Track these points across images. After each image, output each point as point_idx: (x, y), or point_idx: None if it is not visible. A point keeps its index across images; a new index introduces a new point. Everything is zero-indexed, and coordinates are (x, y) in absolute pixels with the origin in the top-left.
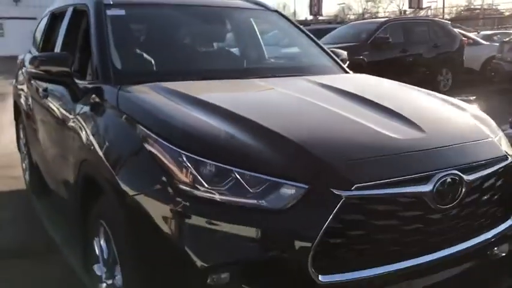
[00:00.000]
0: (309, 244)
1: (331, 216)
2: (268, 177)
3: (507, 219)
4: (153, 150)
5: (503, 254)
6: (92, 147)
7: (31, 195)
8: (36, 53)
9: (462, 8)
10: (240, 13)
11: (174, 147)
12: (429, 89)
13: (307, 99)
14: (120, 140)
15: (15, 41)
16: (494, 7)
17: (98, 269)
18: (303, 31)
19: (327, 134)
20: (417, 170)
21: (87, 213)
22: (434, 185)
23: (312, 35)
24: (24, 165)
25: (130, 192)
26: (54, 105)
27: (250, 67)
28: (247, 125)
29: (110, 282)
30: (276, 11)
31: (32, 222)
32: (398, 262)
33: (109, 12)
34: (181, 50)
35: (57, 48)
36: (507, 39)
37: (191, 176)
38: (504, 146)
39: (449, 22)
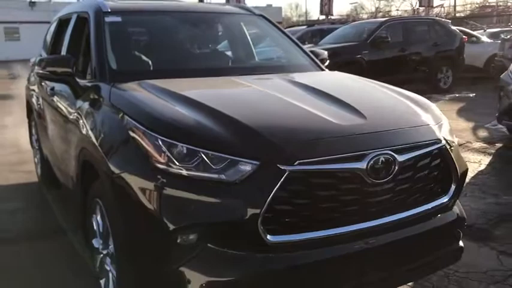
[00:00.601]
0: (258, 209)
1: (276, 187)
2: (228, 156)
3: (443, 195)
4: (136, 136)
5: (438, 226)
6: (89, 137)
7: (42, 186)
8: (45, 56)
9: (477, 5)
10: (228, 17)
11: (152, 133)
12: (429, 87)
13: (270, 92)
14: (111, 129)
15: (31, 44)
16: (510, 4)
17: (96, 242)
18: (285, 33)
19: (278, 120)
20: (353, 149)
21: (86, 195)
22: (368, 163)
23: (292, 37)
24: (36, 159)
25: (118, 172)
26: (59, 102)
27: (233, 66)
28: (213, 113)
29: (105, 252)
30: (262, 15)
31: (42, 210)
32: (339, 227)
33: (107, 19)
34: (169, 52)
35: (63, 51)
36: (508, 36)
37: (166, 156)
38: (443, 132)
39: (450, 21)
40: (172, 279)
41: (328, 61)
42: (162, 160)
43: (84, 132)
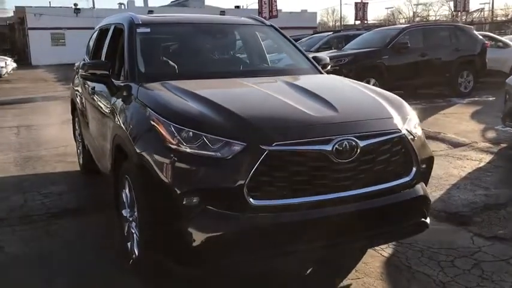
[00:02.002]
0: (243, 179)
1: (258, 162)
2: (223, 138)
3: (406, 176)
4: (155, 124)
5: (400, 201)
6: (121, 125)
7: (83, 173)
8: (87, 60)
9: None
10: (242, 27)
11: (167, 121)
12: (449, 91)
13: (265, 90)
14: (137, 118)
15: (75, 49)
16: None
17: (125, 212)
18: (291, 41)
19: (264, 111)
20: (321, 135)
21: (117, 174)
22: (333, 146)
23: (297, 45)
24: (78, 151)
25: (140, 151)
26: (99, 99)
27: (243, 70)
28: (215, 106)
29: (131, 219)
30: (272, 26)
31: (83, 192)
32: (309, 196)
33: (138, 30)
34: (188, 57)
35: (103, 56)
36: None
37: (176, 139)
38: (407, 125)
39: (472, 27)
40: (181, 234)
41: (330, 65)
42: (173, 142)
43: (117, 122)
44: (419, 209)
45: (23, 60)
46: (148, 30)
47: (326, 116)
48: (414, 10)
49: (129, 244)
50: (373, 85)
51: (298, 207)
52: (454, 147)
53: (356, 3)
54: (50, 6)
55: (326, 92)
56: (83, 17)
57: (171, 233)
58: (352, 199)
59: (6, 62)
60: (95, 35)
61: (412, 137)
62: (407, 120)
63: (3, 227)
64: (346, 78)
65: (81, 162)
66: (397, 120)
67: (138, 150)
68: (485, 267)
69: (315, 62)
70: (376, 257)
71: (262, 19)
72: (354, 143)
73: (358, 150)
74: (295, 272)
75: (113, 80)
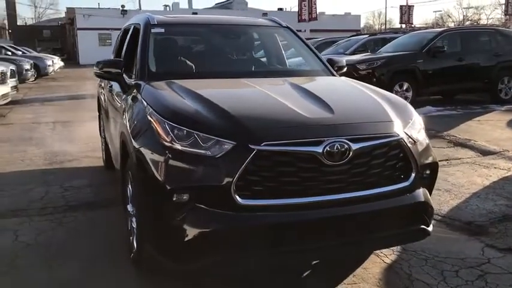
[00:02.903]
0: (231, 178)
1: (246, 161)
2: (214, 137)
3: (404, 181)
4: (152, 120)
5: (397, 206)
6: (125, 122)
7: (107, 169)
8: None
9: None
10: (256, 29)
11: (163, 118)
12: (488, 97)
13: (265, 91)
14: (138, 115)
15: None
16: None
17: (129, 207)
18: (305, 43)
19: (258, 111)
20: (312, 136)
21: (123, 170)
22: (324, 147)
23: (312, 46)
24: (102, 147)
25: (138, 147)
26: (113, 97)
27: (252, 70)
28: (211, 105)
29: (132, 213)
30: (288, 27)
31: (102, 187)
32: (298, 198)
33: (153, 30)
34: (201, 57)
35: (122, 56)
36: None
37: (170, 136)
38: (408, 129)
39: None
40: (170, 230)
41: (345, 68)
42: (167, 139)
43: (123, 119)
44: (418, 216)
45: (72, 59)
46: (162, 30)
47: (320, 118)
48: (464, 14)
49: (131, 238)
50: (406, 89)
51: (287, 208)
52: (482, 155)
53: (401, 6)
54: (98, 8)
55: (328, 94)
56: (130, 18)
57: (161, 228)
58: (344, 202)
59: (53, 61)
60: (120, 35)
61: (412, 141)
62: (408, 124)
63: (22, 217)
64: (357, 81)
65: (104, 157)
66: (396, 123)
67: (136, 147)
68: (489, 279)
69: (328, 65)
70: (377, 263)
71: (279, 20)
72: (346, 146)
73: (351, 153)
74: (292, 273)
75: (125, 79)
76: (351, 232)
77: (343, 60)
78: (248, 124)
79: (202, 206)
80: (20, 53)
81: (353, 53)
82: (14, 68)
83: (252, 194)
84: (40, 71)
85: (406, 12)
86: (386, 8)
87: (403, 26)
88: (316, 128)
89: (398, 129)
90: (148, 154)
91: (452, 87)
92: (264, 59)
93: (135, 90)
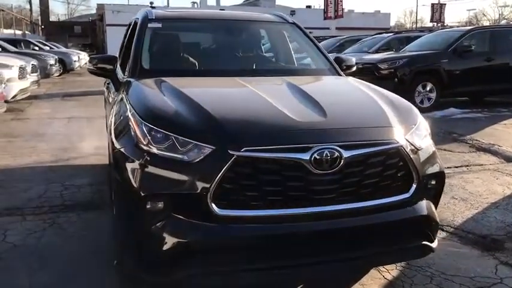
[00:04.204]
0: (208, 186)
1: (224, 168)
2: (193, 141)
3: (405, 193)
4: (132, 120)
5: (395, 221)
6: (111, 121)
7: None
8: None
9: None
10: (258, 24)
11: (141, 119)
12: None
13: (256, 91)
14: (121, 115)
15: None
16: None
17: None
18: (312, 40)
19: (242, 113)
20: (298, 142)
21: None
22: (312, 155)
23: (318, 44)
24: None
25: (118, 148)
26: (109, 93)
27: (250, 68)
28: (194, 106)
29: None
30: (294, 23)
31: (101, 187)
32: (283, 209)
33: (149, 25)
34: (194, 54)
35: (121, 51)
36: None
37: (146, 139)
38: (411, 135)
39: None
40: (143, 239)
41: (354, 67)
42: (144, 142)
43: (110, 117)
44: (420, 231)
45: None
46: (159, 25)
47: (310, 122)
48: (500, 12)
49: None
50: (430, 90)
51: (270, 220)
52: (506, 161)
53: (432, 5)
54: (127, 4)
55: (324, 96)
56: None
57: (135, 237)
58: (335, 215)
59: (79, 56)
60: (126, 30)
61: (414, 149)
62: (411, 129)
63: (15, 216)
64: (363, 82)
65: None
66: (396, 129)
67: (117, 148)
68: None
69: (334, 63)
70: (376, 279)
71: (285, 16)
72: (336, 153)
73: (342, 161)
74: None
75: (118, 75)
76: (342, 248)
77: (352, 59)
78: (229, 128)
79: (178, 215)
80: (47, 48)
81: (376, 51)
82: (35, 63)
83: (231, 204)
84: (66, 66)
85: (437, 10)
86: (417, 5)
87: (435, 24)
88: (304, 133)
89: (399, 135)
90: (125, 157)
91: (480, 89)
92: (267, 56)
93: (124, 87)
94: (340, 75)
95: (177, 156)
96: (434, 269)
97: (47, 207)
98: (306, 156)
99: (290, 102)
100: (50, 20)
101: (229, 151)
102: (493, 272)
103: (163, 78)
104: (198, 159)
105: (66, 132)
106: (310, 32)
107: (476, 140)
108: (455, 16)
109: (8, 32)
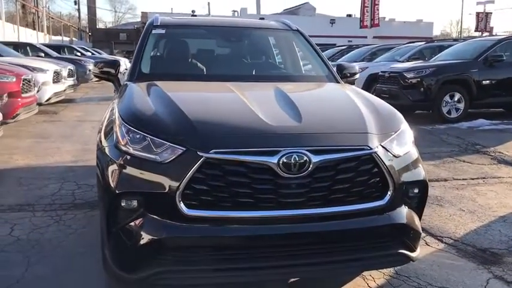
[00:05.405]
0: (177, 185)
1: (193, 169)
2: (166, 142)
3: (379, 200)
4: (116, 121)
5: (368, 228)
6: (102, 121)
7: None
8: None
9: None
10: (264, 31)
11: (122, 120)
12: None
13: (240, 96)
14: (111, 116)
15: None
16: None
17: None
18: (314, 48)
19: (217, 117)
20: (267, 145)
21: None
22: (280, 158)
23: (320, 51)
24: None
25: (102, 147)
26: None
27: (244, 74)
28: (173, 108)
29: None
30: (297, 31)
31: None
32: (250, 211)
33: (154, 31)
34: (193, 59)
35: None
36: None
37: (125, 139)
38: (390, 142)
39: None
40: (119, 237)
41: (357, 75)
42: (122, 142)
43: (103, 118)
44: (396, 239)
45: None
46: (163, 31)
47: (282, 126)
48: None
49: None
50: (458, 100)
51: (237, 222)
52: None
53: (478, 13)
54: (171, 13)
55: (307, 102)
56: None
57: (111, 234)
58: (303, 219)
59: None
60: None
61: (390, 156)
62: (390, 136)
63: (25, 212)
64: (357, 89)
65: None
66: (372, 135)
67: (99, 146)
68: None
69: (334, 71)
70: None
71: (289, 23)
72: (305, 157)
73: (311, 166)
74: None
75: (119, 79)
76: (310, 252)
77: (355, 66)
78: (200, 129)
79: (151, 214)
80: (89, 54)
81: (407, 60)
82: (72, 68)
83: (199, 205)
84: None
85: (482, 19)
86: (462, 14)
87: (481, 33)
88: (274, 137)
89: (373, 141)
90: (105, 156)
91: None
92: (266, 62)
93: (120, 90)
94: (338, 82)
95: (150, 157)
96: (422, 280)
97: (58, 205)
98: (273, 159)
99: (269, 107)
100: (97, 27)
101: (198, 152)
102: (482, 286)
103: (156, 82)
104: (169, 160)
105: (92, 134)
106: (349, 41)
107: (500, 152)
108: (507, 25)
109: (56, 38)
